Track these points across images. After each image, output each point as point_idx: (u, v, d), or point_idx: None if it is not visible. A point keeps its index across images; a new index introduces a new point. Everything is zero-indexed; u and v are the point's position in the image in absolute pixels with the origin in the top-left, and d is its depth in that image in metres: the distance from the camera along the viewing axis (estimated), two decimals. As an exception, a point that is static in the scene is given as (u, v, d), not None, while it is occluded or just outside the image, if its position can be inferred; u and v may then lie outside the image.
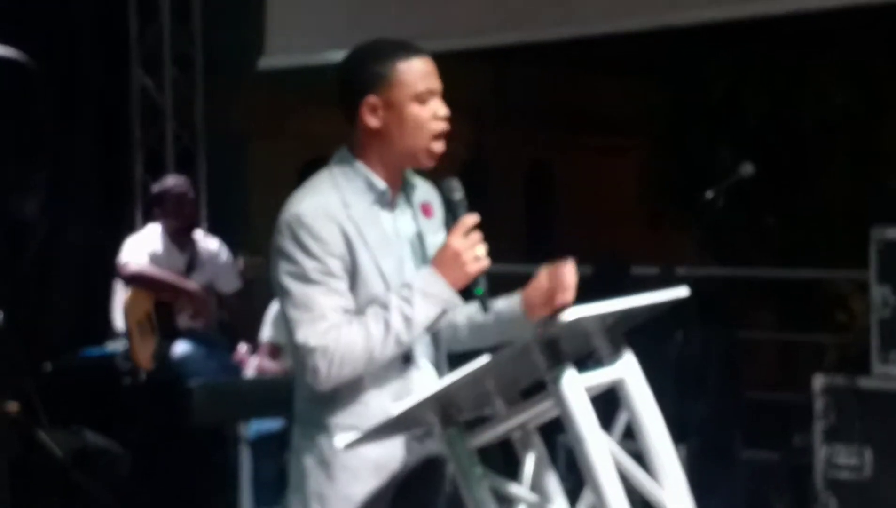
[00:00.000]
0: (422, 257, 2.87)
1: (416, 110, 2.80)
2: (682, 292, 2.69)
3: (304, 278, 2.75)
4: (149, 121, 7.91)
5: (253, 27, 7.56)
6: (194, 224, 6.69)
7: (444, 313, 2.74)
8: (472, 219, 2.77)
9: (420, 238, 2.90)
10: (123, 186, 7.87)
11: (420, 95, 2.80)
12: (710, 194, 5.29)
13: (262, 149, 8.74)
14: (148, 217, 6.91)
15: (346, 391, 2.78)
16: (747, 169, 5.27)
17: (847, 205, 7.69)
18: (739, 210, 7.68)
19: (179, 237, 6.53)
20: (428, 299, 2.71)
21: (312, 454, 2.82)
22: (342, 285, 2.76)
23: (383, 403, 2.76)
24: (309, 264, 2.75)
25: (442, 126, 2.83)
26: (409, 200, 2.92)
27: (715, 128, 9.03)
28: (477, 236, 2.75)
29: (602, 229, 12.48)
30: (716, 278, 7.66)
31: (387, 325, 2.71)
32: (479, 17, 6.66)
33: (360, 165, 2.85)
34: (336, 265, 2.75)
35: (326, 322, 2.72)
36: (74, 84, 7.53)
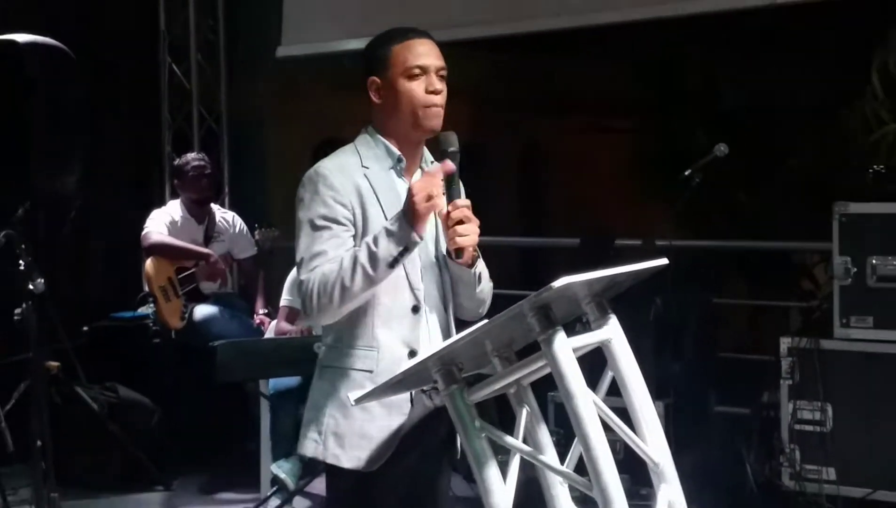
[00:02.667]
0: (432, 227, 2.88)
1: (405, 85, 2.84)
2: (661, 261, 2.69)
3: (312, 223, 2.80)
4: (176, 104, 7.92)
5: (271, 19, 7.54)
6: (211, 197, 6.69)
7: (405, 250, 2.73)
8: (436, 169, 2.79)
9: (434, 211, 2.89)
10: (153, 163, 7.88)
11: (410, 71, 2.84)
12: (687, 173, 5.30)
13: (279, 130, 8.70)
14: (174, 192, 6.92)
15: (361, 339, 2.82)
16: (721, 149, 5.28)
17: (812, 183, 7.66)
18: (714, 187, 7.66)
19: (197, 210, 6.54)
20: (390, 238, 2.72)
21: (330, 395, 2.85)
22: (346, 233, 2.80)
23: (394, 349, 2.82)
24: (320, 211, 2.79)
25: (431, 99, 2.85)
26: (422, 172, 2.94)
27: (693, 113, 8.99)
28: (436, 181, 2.74)
29: (589, 205, 12.45)
30: (692, 250, 7.65)
31: (355, 260, 2.72)
32: (478, 10, 6.65)
33: (379, 136, 2.90)
34: (344, 213, 2.79)
35: (318, 262, 2.76)
36: (110, 70, 7.53)
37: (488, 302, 3.01)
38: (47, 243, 5.93)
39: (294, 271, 3.14)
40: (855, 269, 5.13)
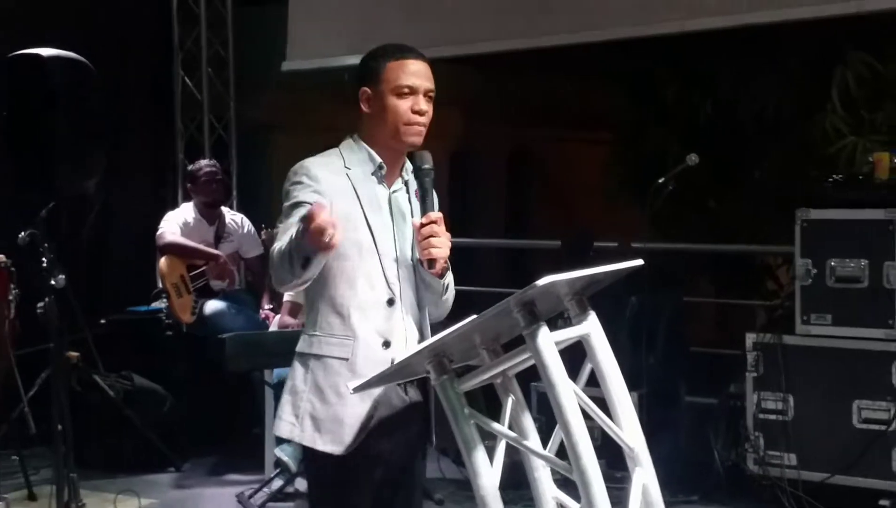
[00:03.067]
0: (409, 233, 2.86)
1: (393, 101, 2.82)
2: (637, 262, 2.70)
3: (290, 205, 2.78)
4: (189, 114, 7.91)
5: (277, 36, 7.54)
6: (221, 201, 6.69)
7: (308, 260, 2.58)
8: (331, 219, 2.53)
9: (412, 218, 2.88)
10: (167, 169, 7.88)
11: (399, 89, 2.81)
12: (661, 181, 5.31)
13: (284, 139, 8.70)
14: (187, 195, 6.92)
15: (339, 329, 2.79)
16: (693, 159, 5.28)
17: (776, 191, 7.68)
18: (686, 194, 7.67)
19: (208, 212, 6.54)
20: (299, 243, 2.58)
21: (307, 380, 2.82)
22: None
23: (369, 339, 2.79)
24: (298, 196, 2.77)
25: (414, 118, 2.82)
26: (405, 183, 2.92)
27: (667, 124, 9.00)
28: (333, 221, 2.51)
29: (572, 209, 12.48)
30: (665, 251, 7.68)
31: (290, 236, 2.64)
32: (470, 29, 6.66)
33: (363, 143, 2.88)
34: (320, 200, 2.67)
35: (284, 239, 2.69)
36: (127, 82, 7.53)
37: (449, 309, 2.94)
38: (69, 242, 5.91)
39: None
40: (815, 270, 5.15)
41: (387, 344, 2.81)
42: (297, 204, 2.77)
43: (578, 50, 7.09)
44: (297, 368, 2.86)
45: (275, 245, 2.74)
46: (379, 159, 2.86)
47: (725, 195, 8.98)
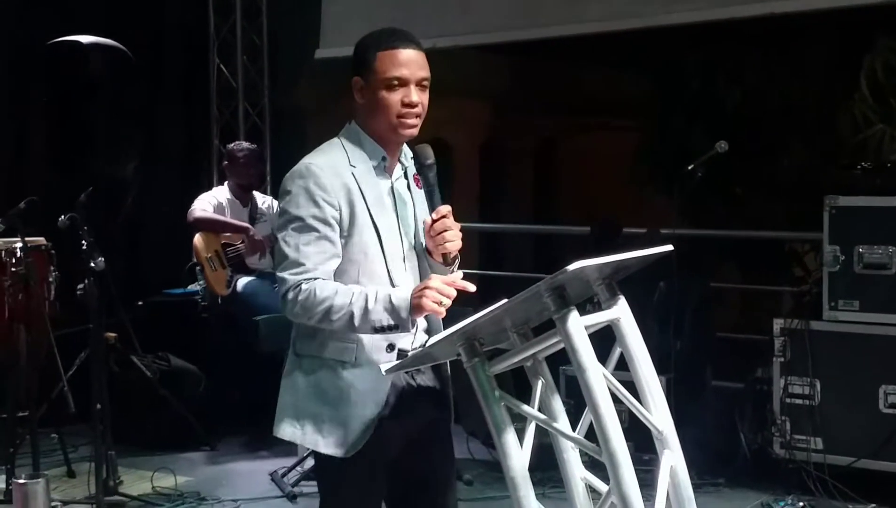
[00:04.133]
0: (411, 219, 2.81)
1: (383, 95, 2.70)
2: (667, 248, 2.67)
3: (302, 221, 2.66)
4: (224, 100, 7.91)
5: (311, 24, 7.53)
6: (255, 185, 6.69)
7: (395, 327, 2.63)
8: (454, 280, 2.64)
9: (413, 204, 2.83)
10: (203, 154, 7.89)
11: (389, 81, 2.69)
12: (690, 168, 5.27)
13: (317, 124, 8.69)
14: (221, 177, 6.92)
15: (344, 332, 2.69)
16: (722, 146, 5.22)
17: (804, 178, 7.62)
18: (714, 181, 7.63)
19: (243, 194, 6.54)
20: (388, 310, 2.62)
21: (308, 381, 2.74)
22: (333, 233, 2.67)
23: (373, 341, 2.71)
24: (310, 210, 2.66)
25: (405, 111, 2.70)
26: (404, 171, 2.84)
27: (694, 112, 8.95)
28: (451, 292, 2.61)
29: (599, 197, 12.43)
30: (694, 238, 7.63)
31: (351, 301, 2.61)
32: (500, 17, 6.62)
33: (364, 134, 2.77)
34: (332, 213, 2.65)
35: (307, 265, 2.64)
36: (165, 70, 7.56)
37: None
38: (107, 226, 5.94)
39: None
40: (843, 257, 5.10)
41: (391, 347, 2.73)
42: (308, 227, 2.66)
43: (606, 40, 7.04)
44: (297, 367, 2.77)
45: (312, 280, 2.63)
46: (382, 152, 2.76)
47: (753, 182, 8.92)
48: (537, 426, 2.53)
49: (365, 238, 2.71)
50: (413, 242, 2.81)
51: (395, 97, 2.70)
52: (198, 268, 6.44)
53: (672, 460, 2.57)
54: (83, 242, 4.94)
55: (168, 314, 6.73)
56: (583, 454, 2.57)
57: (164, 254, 7.44)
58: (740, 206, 9.08)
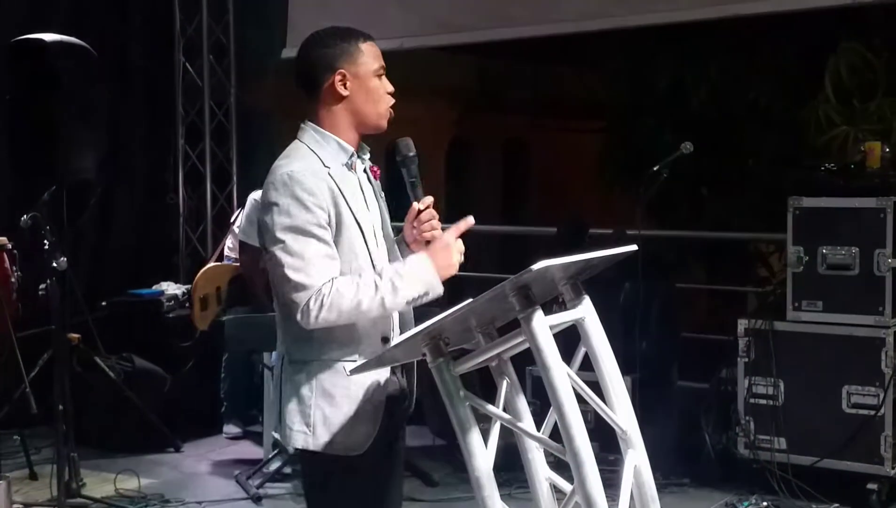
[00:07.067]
0: (377, 211, 2.82)
1: (375, 83, 2.77)
2: (631, 248, 2.68)
3: (298, 228, 2.63)
4: (189, 99, 7.87)
5: (277, 23, 7.50)
6: None
7: (426, 294, 2.66)
8: (469, 219, 2.76)
9: (375, 196, 2.84)
10: (168, 153, 7.84)
11: (378, 70, 2.78)
12: (655, 169, 5.28)
13: (283, 125, 8.67)
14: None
15: (338, 330, 2.68)
16: (687, 147, 5.24)
17: (769, 179, 7.67)
18: (679, 182, 7.66)
19: None
20: (416, 280, 2.64)
21: (311, 385, 2.71)
22: (328, 235, 2.67)
23: (371, 336, 2.71)
24: (303, 216, 2.63)
25: (391, 99, 2.81)
26: (363, 164, 2.84)
27: (660, 113, 8.99)
28: (459, 243, 2.72)
29: (566, 197, 12.48)
30: (659, 238, 7.67)
31: (376, 287, 2.62)
32: (466, 17, 6.62)
33: (329, 134, 2.77)
34: (324, 217, 2.65)
35: (318, 268, 2.63)
36: (130, 68, 7.50)
37: None
38: (70, 225, 5.89)
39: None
40: (807, 257, 5.14)
41: (385, 340, 2.74)
42: (307, 233, 2.64)
43: (573, 40, 7.06)
44: (299, 375, 2.73)
45: (331, 281, 2.62)
46: (350, 149, 2.77)
47: (717, 183, 8.97)
48: (503, 426, 2.54)
49: (351, 236, 2.72)
50: (382, 232, 2.84)
51: (385, 86, 2.79)
52: (188, 302, 6.30)
53: (636, 459, 2.57)
54: (45, 241, 4.90)
55: (132, 315, 6.68)
56: (548, 454, 2.57)
57: (129, 254, 7.39)
58: (705, 206, 9.13)
